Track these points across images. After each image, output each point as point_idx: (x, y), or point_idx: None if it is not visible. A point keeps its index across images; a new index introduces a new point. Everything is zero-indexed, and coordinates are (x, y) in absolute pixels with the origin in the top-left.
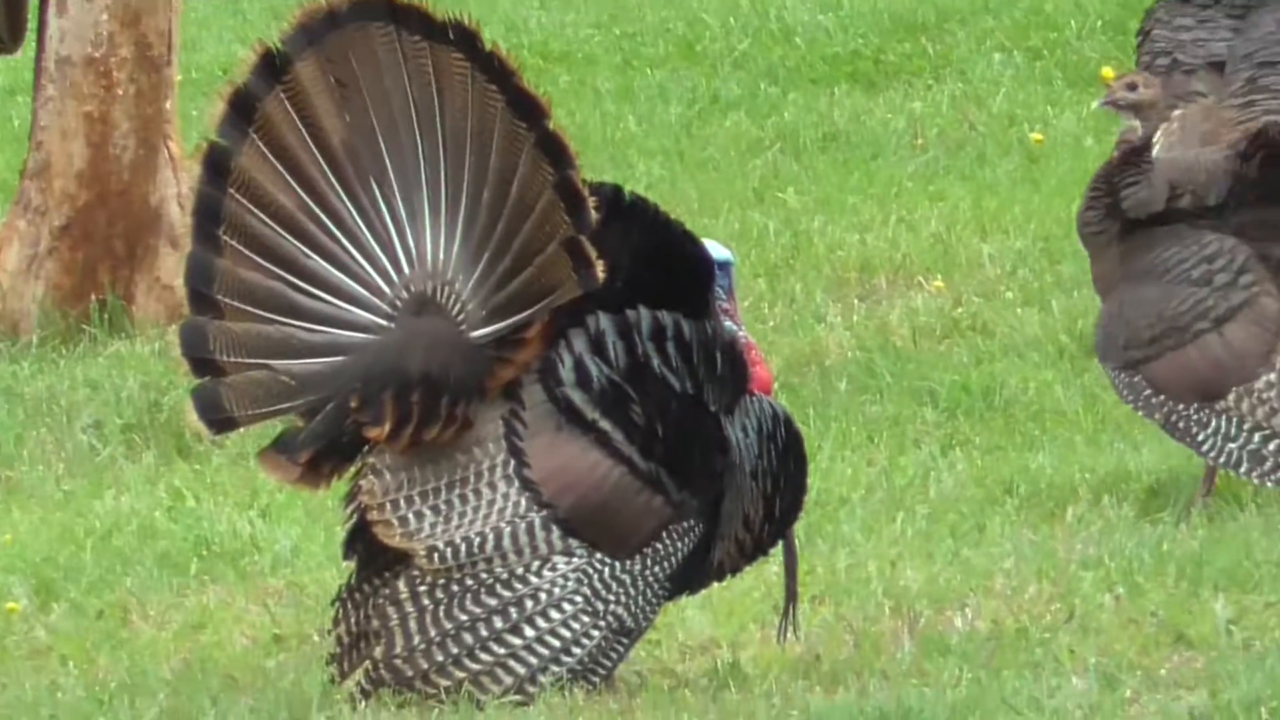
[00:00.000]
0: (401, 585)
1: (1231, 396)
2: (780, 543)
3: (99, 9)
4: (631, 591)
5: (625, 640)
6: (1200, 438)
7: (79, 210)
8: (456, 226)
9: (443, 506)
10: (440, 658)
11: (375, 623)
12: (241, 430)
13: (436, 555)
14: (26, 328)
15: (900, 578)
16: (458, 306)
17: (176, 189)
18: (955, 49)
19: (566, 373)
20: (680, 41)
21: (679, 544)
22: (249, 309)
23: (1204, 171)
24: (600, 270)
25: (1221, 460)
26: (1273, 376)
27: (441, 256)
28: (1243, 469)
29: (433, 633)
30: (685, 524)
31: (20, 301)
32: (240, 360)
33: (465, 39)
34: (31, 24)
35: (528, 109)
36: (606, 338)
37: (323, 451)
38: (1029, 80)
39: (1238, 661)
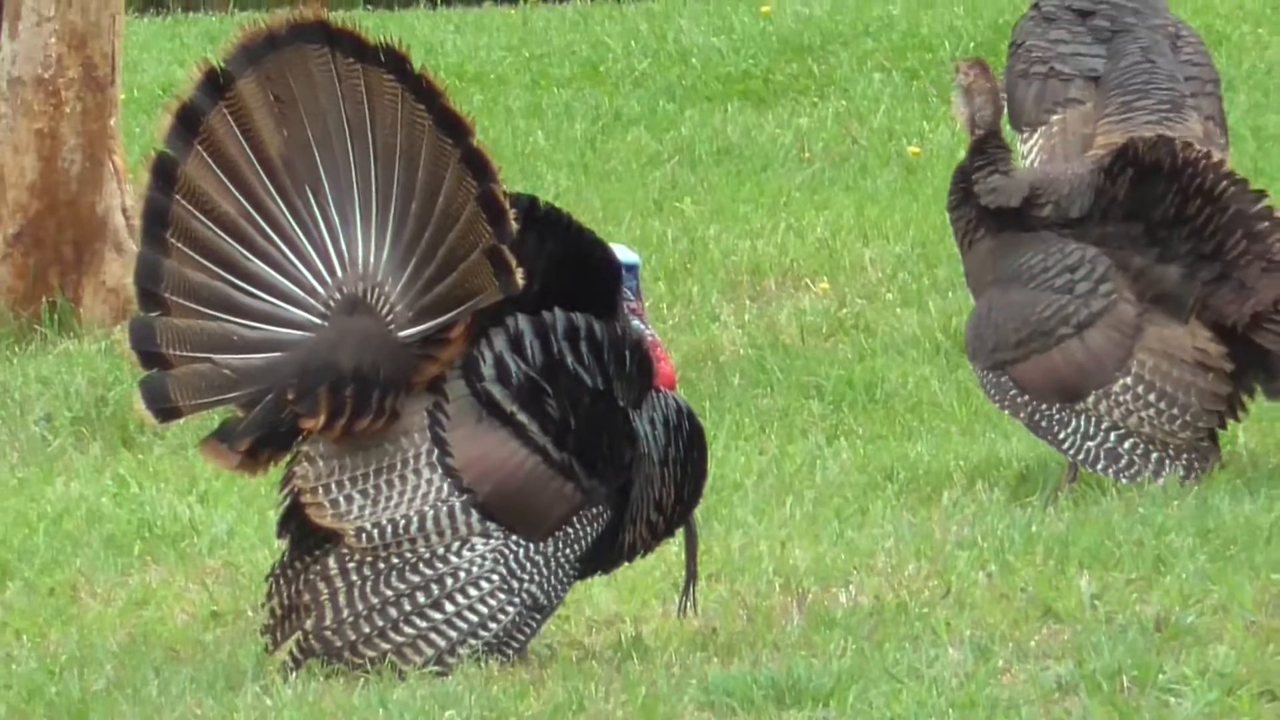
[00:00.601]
0: (331, 562)
1: (1091, 398)
2: (682, 525)
3: (48, 33)
4: (544, 571)
5: (538, 616)
6: (1061, 436)
7: (30, 219)
8: (386, 233)
9: (370, 490)
10: (366, 630)
11: (306, 597)
12: (185, 419)
13: (364, 535)
14: None
15: (790, 557)
16: (387, 307)
17: (120, 199)
18: (838, 69)
19: (487, 369)
20: (585, 63)
21: (589, 528)
22: (193, 306)
23: (1067, 184)
24: (519, 277)
25: (1080, 458)
26: (1129, 380)
27: (372, 261)
28: (1100, 466)
29: (360, 606)
30: (594, 510)
31: None
32: (185, 354)
33: (396, 61)
34: None
35: (453, 127)
36: (525, 337)
37: (260, 440)
38: (906, 98)
39: (1101, 634)
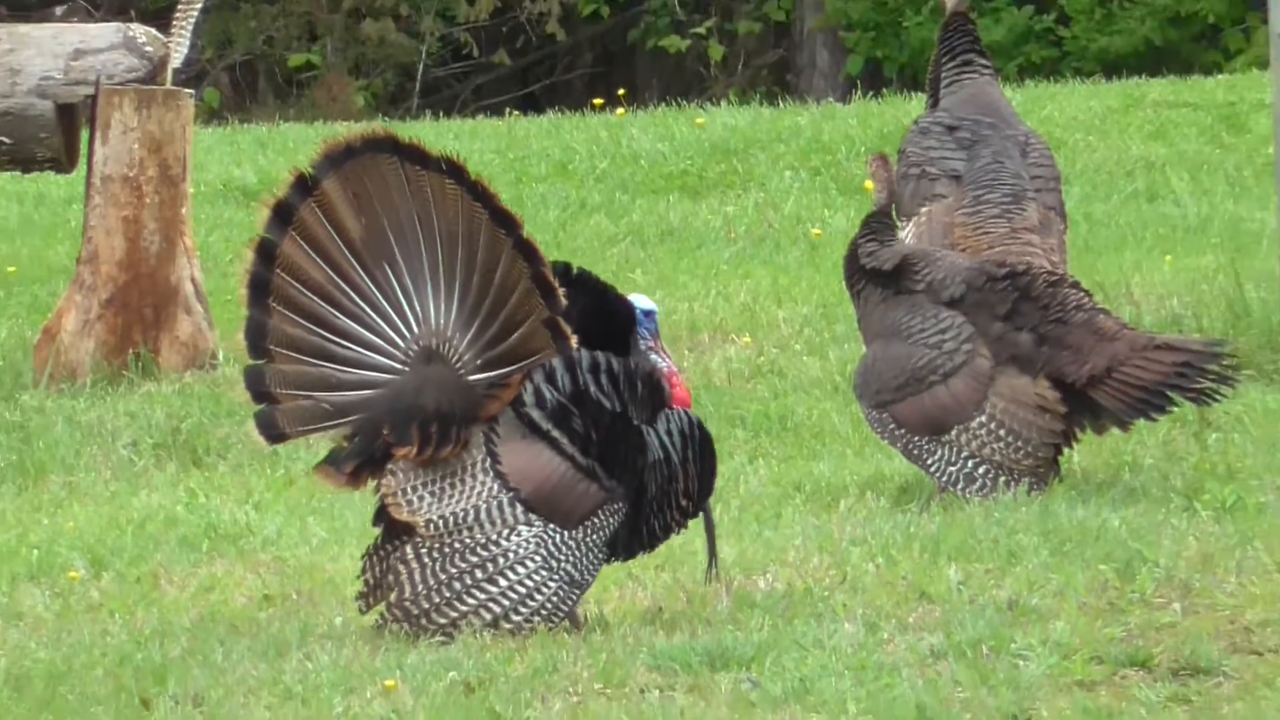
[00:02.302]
0: (408, 550)
1: (954, 432)
2: (700, 513)
3: (131, 140)
4: (578, 553)
5: (577, 591)
6: (929, 462)
7: (119, 287)
8: (454, 299)
9: (437, 491)
10: (436, 601)
11: (389, 577)
12: (290, 443)
13: (432, 525)
14: (82, 373)
15: (719, 552)
16: (457, 357)
17: (190, 271)
18: (757, 168)
19: (528, 397)
20: (556, 163)
21: (611, 519)
22: (295, 355)
23: (945, 270)
24: (574, 342)
25: (943, 480)
26: (984, 418)
27: (442, 320)
28: (959, 486)
29: (431, 583)
30: (615, 505)
31: (77, 354)
32: (289, 392)
33: (454, 169)
34: (83, 151)
35: (506, 221)
36: (557, 372)
37: (361, 465)
38: (811, 190)
39: (965, 612)
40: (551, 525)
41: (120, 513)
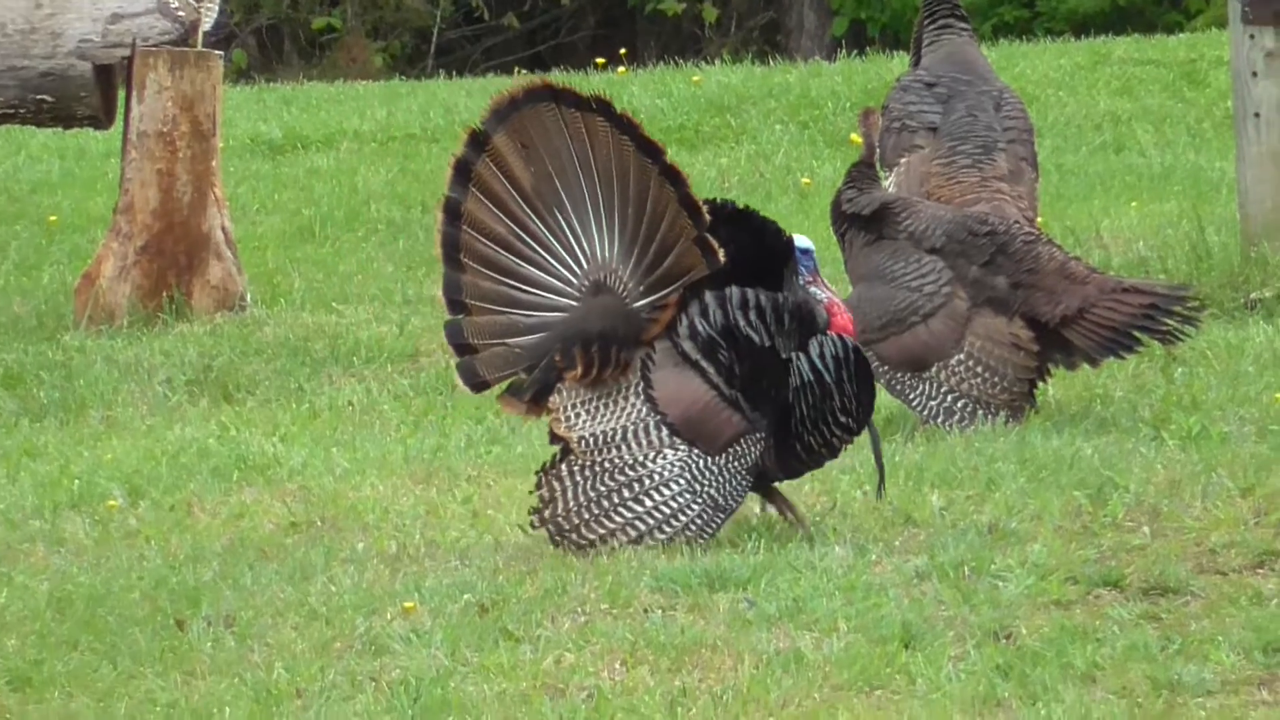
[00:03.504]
0: (564, 467)
1: (934, 369)
2: (866, 430)
3: (166, 98)
4: (721, 478)
5: (721, 515)
6: (911, 397)
7: (153, 235)
8: (614, 232)
9: (593, 410)
10: (586, 517)
11: (546, 493)
12: (491, 389)
13: (584, 441)
14: (119, 316)
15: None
16: (621, 286)
17: (220, 220)
18: (749, 122)
19: (682, 329)
20: None
21: (753, 449)
22: (487, 306)
23: (928, 220)
24: (721, 255)
25: (924, 414)
26: (961, 356)
27: (607, 253)
28: (939, 420)
29: (581, 499)
30: (756, 435)
31: (115, 297)
32: (485, 342)
33: (604, 107)
34: (120, 109)
35: (651, 150)
36: (709, 307)
37: (539, 392)
38: (800, 143)
39: (947, 535)
40: (696, 450)
41: (156, 445)
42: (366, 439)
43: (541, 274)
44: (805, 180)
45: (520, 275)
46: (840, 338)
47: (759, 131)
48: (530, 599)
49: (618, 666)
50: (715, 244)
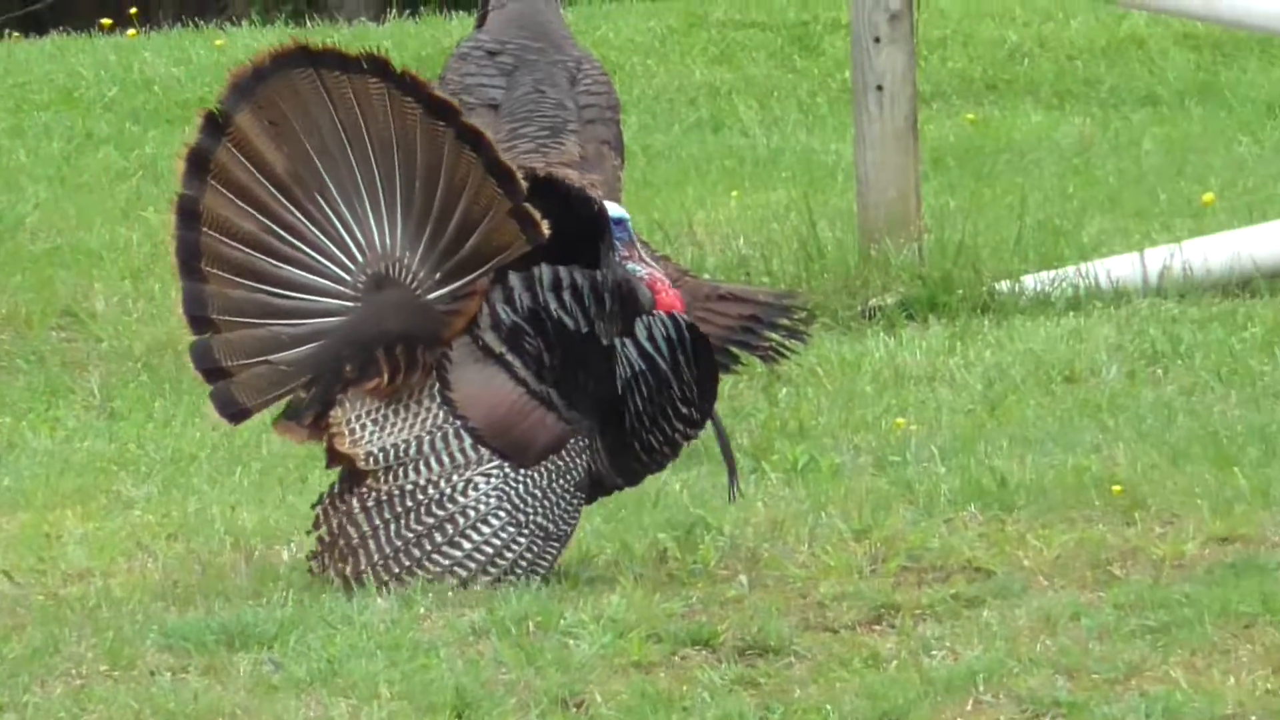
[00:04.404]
0: (355, 505)
1: None
2: (709, 418)
3: None
4: (547, 502)
5: (555, 544)
6: None
7: None
8: (397, 213)
9: (381, 419)
10: (400, 567)
11: (342, 541)
12: (254, 417)
13: (373, 458)
14: None
15: (239, 519)
16: (410, 277)
17: None
18: None
19: (483, 319)
20: (60, 90)
21: (577, 459)
22: (239, 320)
23: None
24: (545, 228)
25: None
26: None
27: (388, 240)
28: None
29: (388, 550)
30: (580, 441)
31: None
32: (243, 363)
33: (377, 66)
34: None
35: (443, 111)
36: (515, 290)
37: (321, 412)
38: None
39: (509, 586)
40: (512, 475)
41: None
42: None
43: (305, 274)
44: None
45: (278, 278)
46: (671, 316)
47: None
48: (17, 659)
49: None
50: (535, 215)
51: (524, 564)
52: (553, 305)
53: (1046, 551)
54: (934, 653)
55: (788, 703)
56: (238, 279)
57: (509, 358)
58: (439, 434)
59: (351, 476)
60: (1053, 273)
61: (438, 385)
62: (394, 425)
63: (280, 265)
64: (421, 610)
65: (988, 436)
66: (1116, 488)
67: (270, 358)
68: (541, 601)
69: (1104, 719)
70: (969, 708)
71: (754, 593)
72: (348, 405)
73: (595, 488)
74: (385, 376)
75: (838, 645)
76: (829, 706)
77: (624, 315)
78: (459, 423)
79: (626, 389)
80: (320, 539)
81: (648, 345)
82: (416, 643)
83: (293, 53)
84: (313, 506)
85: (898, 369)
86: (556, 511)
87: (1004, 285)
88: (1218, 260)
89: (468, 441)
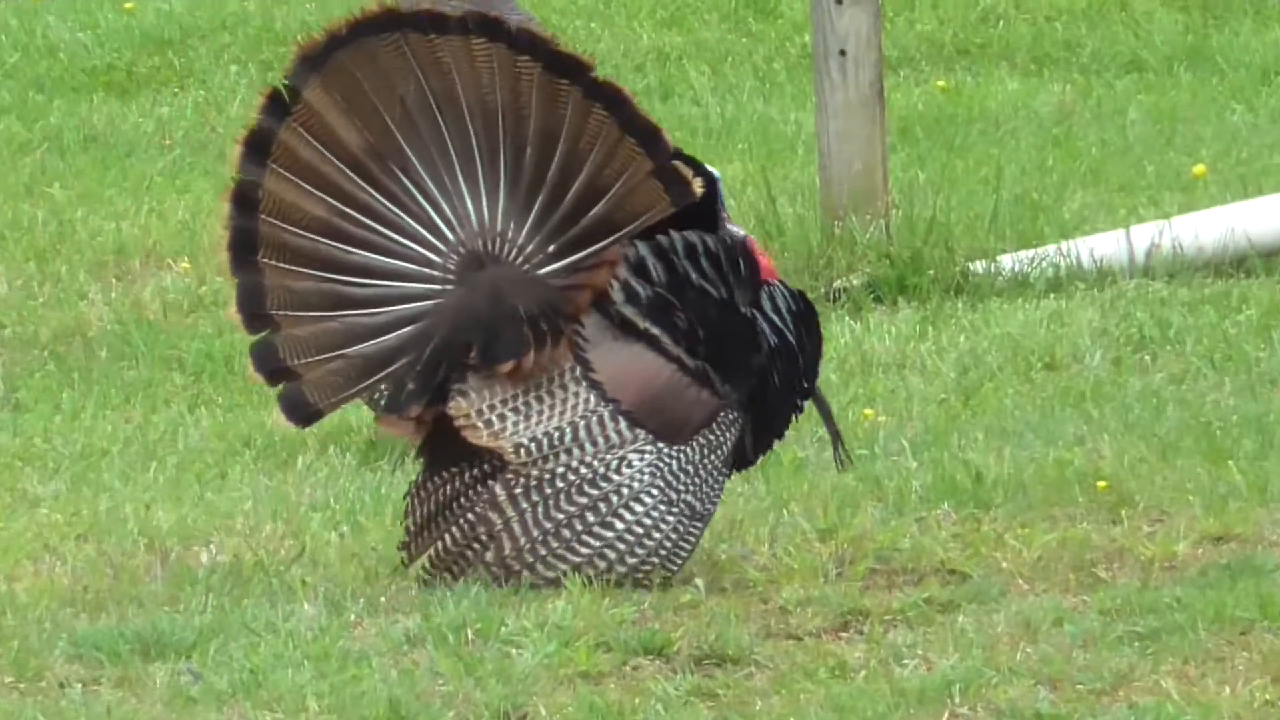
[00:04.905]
0: (500, 491)
1: None
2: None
3: None
4: (698, 479)
5: (699, 525)
6: None
7: None
8: (498, 187)
9: (523, 408)
10: (543, 552)
11: (480, 529)
12: (327, 418)
13: (523, 449)
14: None
15: (153, 519)
16: (515, 252)
17: None
18: (197, 61)
19: (616, 294)
20: None
21: (727, 433)
22: (308, 314)
23: None
24: (697, 186)
25: None
26: None
27: (486, 215)
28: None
29: (535, 533)
30: (730, 415)
31: None
32: (313, 360)
33: (485, 25)
34: None
35: (569, 67)
36: (646, 261)
37: (429, 402)
38: (263, 87)
39: (446, 590)
40: (666, 451)
41: None
42: None
43: (384, 258)
44: None
45: (352, 265)
46: (785, 285)
47: (209, 74)
48: None
49: None
50: (685, 173)
51: (669, 545)
52: (693, 274)
53: (1026, 552)
54: (905, 662)
55: (748, 715)
56: (304, 269)
57: (654, 332)
58: (593, 418)
59: (495, 466)
60: (1031, 251)
61: (578, 367)
62: (540, 413)
63: (354, 251)
64: (352, 617)
65: (962, 428)
66: (1101, 483)
67: (346, 351)
68: (481, 608)
69: None
70: None
71: (711, 598)
72: (473, 395)
73: (739, 464)
74: (533, 349)
75: (801, 654)
76: (792, 719)
77: (752, 283)
78: (612, 405)
79: (769, 360)
80: (407, 529)
81: (775, 318)
82: (346, 652)
83: (378, 18)
84: (404, 497)
85: (865, 355)
86: (705, 489)
87: (979, 265)
88: (1209, 237)
89: (623, 423)
